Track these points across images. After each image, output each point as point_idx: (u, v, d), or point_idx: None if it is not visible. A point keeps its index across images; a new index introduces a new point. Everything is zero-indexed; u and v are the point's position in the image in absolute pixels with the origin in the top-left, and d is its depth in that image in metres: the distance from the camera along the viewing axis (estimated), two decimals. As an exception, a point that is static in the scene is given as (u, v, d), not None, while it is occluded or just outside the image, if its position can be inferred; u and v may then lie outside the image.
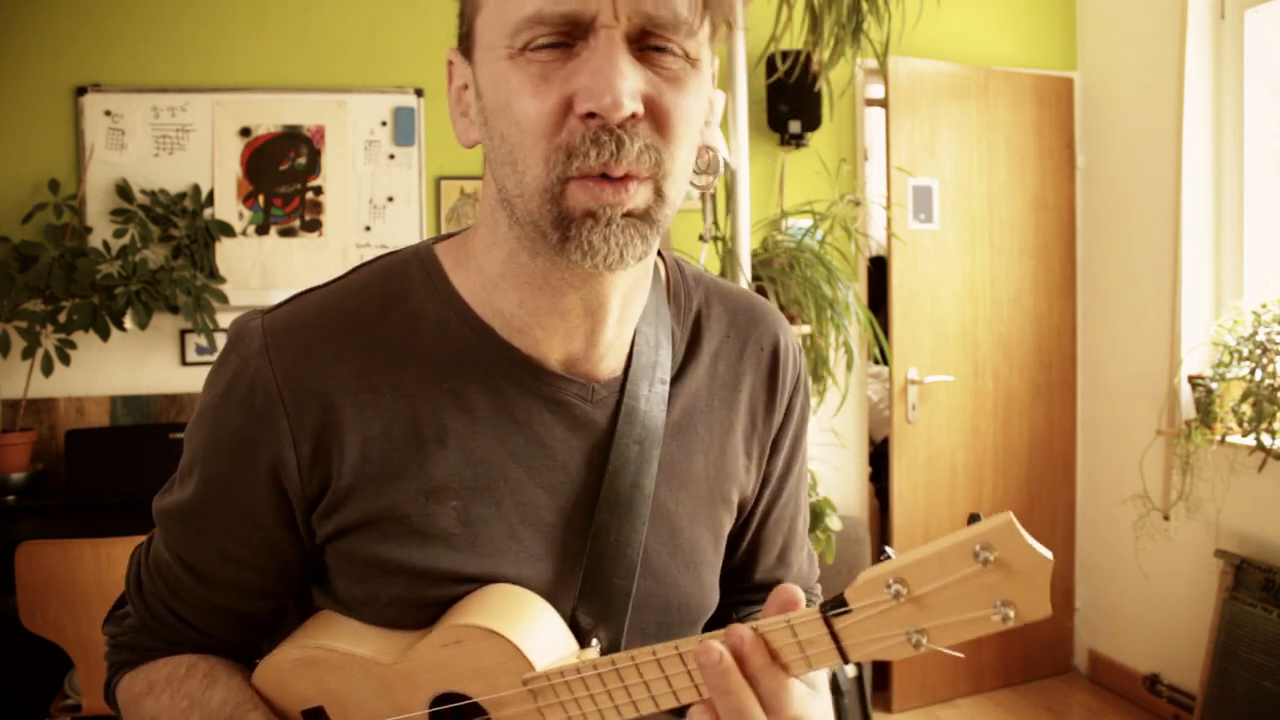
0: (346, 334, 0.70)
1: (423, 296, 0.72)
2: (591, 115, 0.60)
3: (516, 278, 0.70)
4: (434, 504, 0.69)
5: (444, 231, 2.65)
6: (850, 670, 2.39)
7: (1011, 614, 0.52)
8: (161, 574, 0.77)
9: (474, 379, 0.71)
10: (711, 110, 0.72)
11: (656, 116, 0.62)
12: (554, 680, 0.66)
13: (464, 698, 0.69)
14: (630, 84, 0.60)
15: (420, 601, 0.70)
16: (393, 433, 0.69)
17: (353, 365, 0.70)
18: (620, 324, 0.74)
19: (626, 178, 0.62)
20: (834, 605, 0.56)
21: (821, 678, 0.67)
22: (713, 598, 0.81)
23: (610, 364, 0.75)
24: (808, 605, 0.59)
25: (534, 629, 0.68)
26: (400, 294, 0.72)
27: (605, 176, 0.61)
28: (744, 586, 0.89)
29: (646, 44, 0.61)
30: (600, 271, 0.65)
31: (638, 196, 0.63)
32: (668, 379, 0.77)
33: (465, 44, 0.67)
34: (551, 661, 0.67)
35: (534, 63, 0.61)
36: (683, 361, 0.79)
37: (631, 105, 0.60)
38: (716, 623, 0.88)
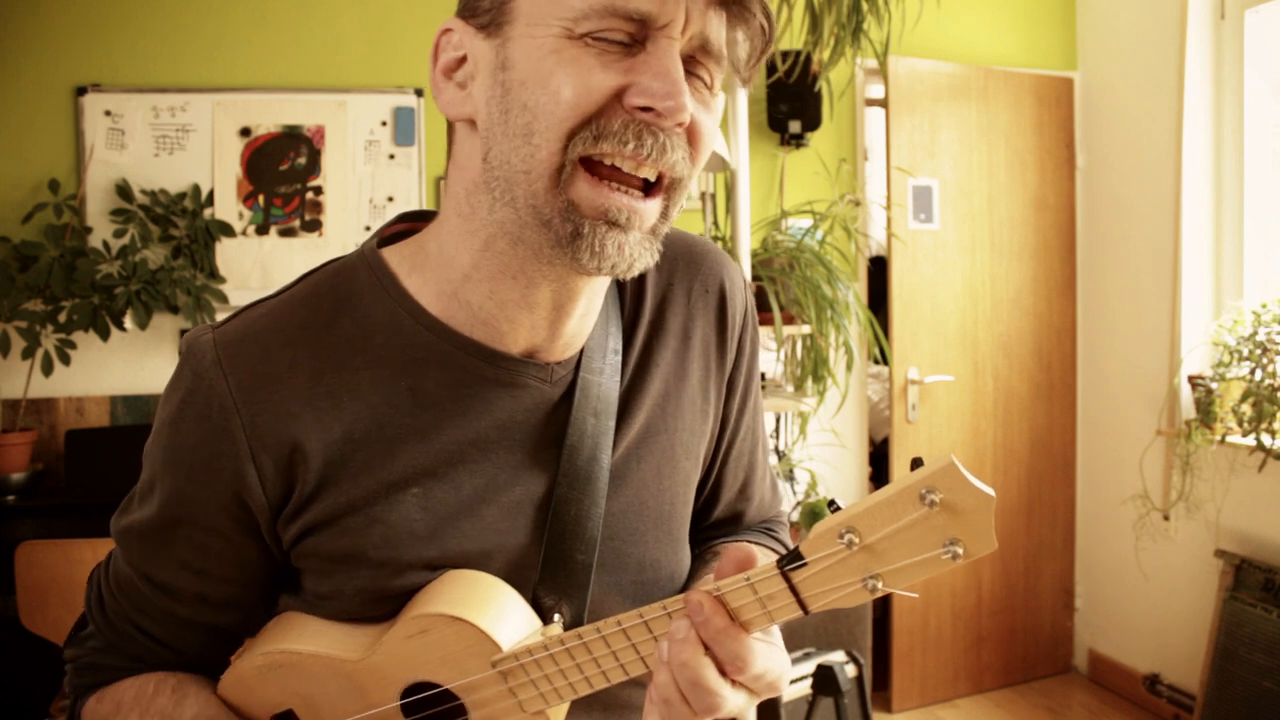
0: (298, 343, 0.70)
1: (372, 299, 0.72)
2: (645, 110, 0.62)
3: (490, 267, 0.70)
4: (395, 493, 0.70)
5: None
6: (850, 670, 2.39)
7: (960, 551, 0.54)
8: (125, 591, 0.77)
9: (430, 373, 0.71)
10: None
11: (692, 133, 0.65)
12: (523, 659, 0.66)
13: (434, 686, 0.69)
14: (689, 93, 0.63)
15: (385, 593, 0.70)
16: (354, 434, 0.69)
17: (306, 373, 0.69)
18: (584, 316, 0.75)
19: (659, 183, 0.64)
20: (790, 560, 0.58)
21: (775, 629, 0.68)
22: (687, 555, 0.82)
23: (571, 344, 0.75)
24: (771, 532, 0.58)
25: (497, 611, 0.68)
26: (347, 299, 0.72)
27: (617, 182, 0.63)
28: (705, 524, 0.90)
29: (689, 67, 0.64)
30: (596, 274, 0.66)
31: (652, 211, 0.65)
32: (620, 348, 0.78)
33: (487, 17, 0.66)
34: (518, 641, 0.67)
35: (594, 50, 0.62)
36: (631, 322, 0.80)
37: (690, 111, 0.62)
38: None
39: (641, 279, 0.81)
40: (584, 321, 0.75)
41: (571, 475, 0.73)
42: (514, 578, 0.72)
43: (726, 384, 0.85)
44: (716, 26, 0.64)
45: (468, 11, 0.68)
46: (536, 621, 0.71)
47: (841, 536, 0.56)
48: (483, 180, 0.68)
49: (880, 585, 0.57)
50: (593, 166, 0.63)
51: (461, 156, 0.70)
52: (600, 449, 0.74)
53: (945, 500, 0.53)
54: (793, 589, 0.59)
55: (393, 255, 0.75)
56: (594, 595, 0.74)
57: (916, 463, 0.54)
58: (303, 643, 0.72)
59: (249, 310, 0.74)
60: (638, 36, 0.62)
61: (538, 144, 0.63)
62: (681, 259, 0.83)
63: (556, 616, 0.72)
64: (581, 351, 0.76)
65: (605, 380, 0.76)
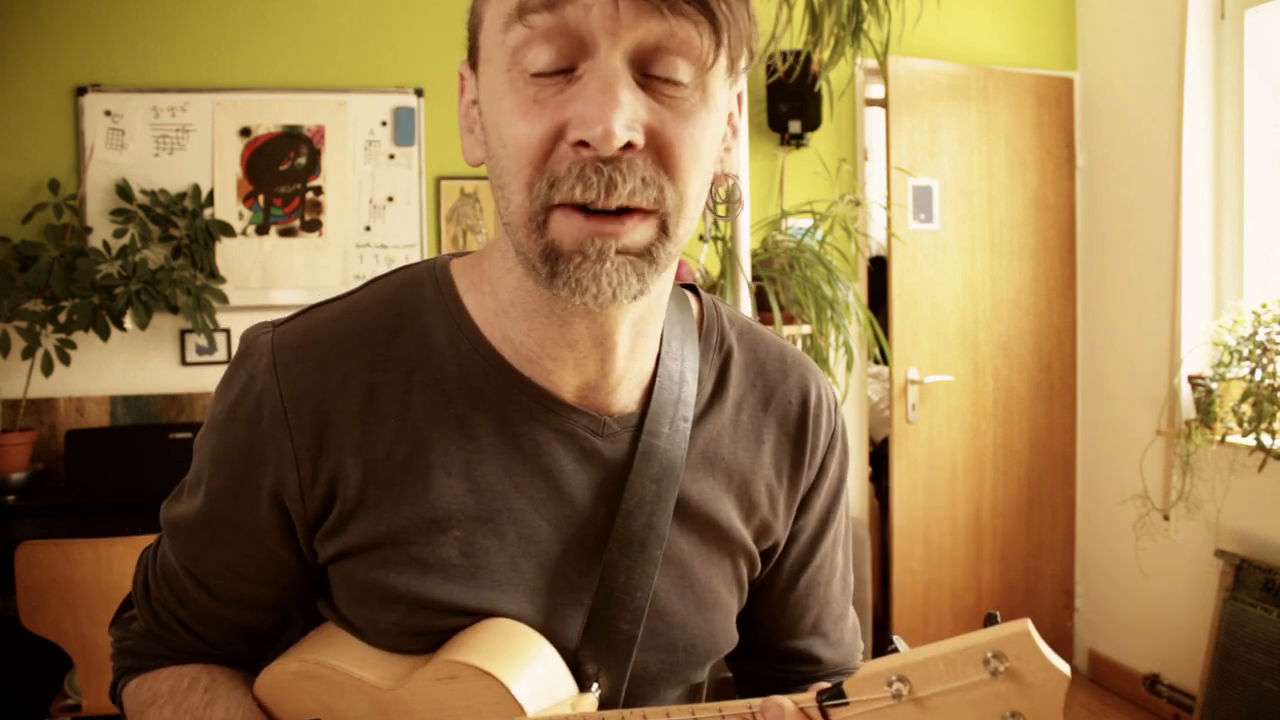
0: (356, 354, 0.69)
1: (434, 318, 0.70)
2: (584, 144, 0.56)
3: (525, 305, 0.67)
4: (436, 533, 0.68)
5: (443, 231, 2.66)
6: (850, 670, 2.40)
7: None
8: (169, 582, 0.77)
9: (481, 406, 0.69)
10: (735, 135, 0.69)
11: (660, 148, 0.59)
12: None
13: None
14: (627, 113, 0.56)
15: (418, 630, 0.69)
16: (396, 456, 0.68)
17: (360, 387, 0.68)
18: (633, 355, 0.71)
19: (624, 212, 0.58)
20: (831, 695, 0.55)
21: None
22: (724, 640, 0.78)
23: (624, 397, 0.72)
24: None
25: (530, 670, 0.66)
26: (413, 314, 0.70)
27: (589, 210, 0.58)
28: (772, 650, 0.85)
29: (651, 71, 0.58)
30: (593, 309, 0.63)
31: (636, 233, 0.59)
32: (690, 417, 0.73)
33: (473, 58, 0.65)
34: (545, 706, 0.65)
35: (531, 85, 0.58)
36: (707, 402, 0.76)
37: (626, 135, 0.56)
38: (743, 688, 0.86)
39: (726, 364, 0.77)
40: (635, 361, 0.71)
41: (625, 541, 0.70)
42: (553, 640, 0.69)
43: (801, 501, 0.80)
44: (666, 28, 0.56)
45: (469, 55, 0.66)
46: (573, 688, 0.69)
47: (890, 684, 0.52)
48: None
49: None
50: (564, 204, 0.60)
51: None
52: (658, 516, 0.71)
53: (1011, 669, 0.49)
54: None
55: (459, 270, 0.73)
56: (634, 666, 0.72)
57: (990, 618, 0.50)
58: (340, 659, 0.71)
59: (312, 311, 0.72)
60: (577, 56, 0.57)
61: (509, 196, 0.60)
62: (773, 362, 0.80)
63: (595, 686, 0.70)
64: (645, 412, 0.72)
65: (672, 449, 0.72)
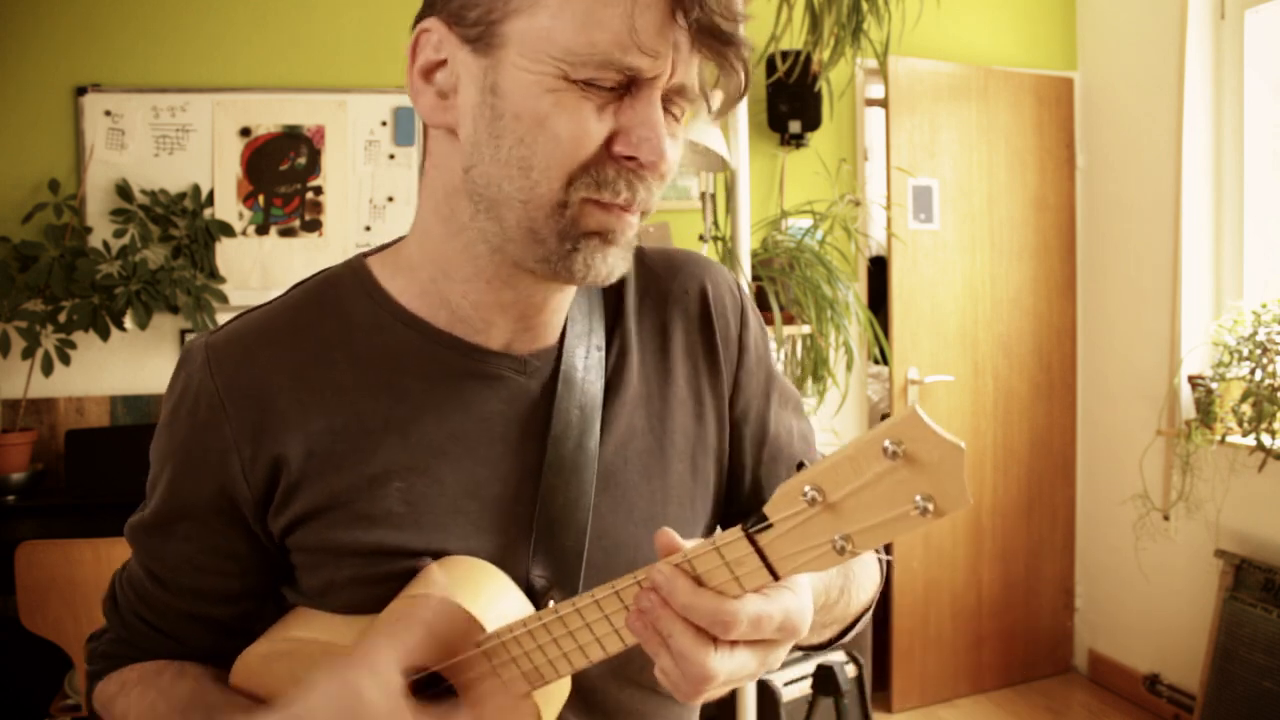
0: (282, 342, 0.74)
1: (354, 302, 0.76)
2: (628, 159, 0.66)
3: (467, 269, 0.73)
4: (377, 488, 0.72)
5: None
6: (850, 670, 2.39)
7: (931, 506, 0.51)
8: (133, 587, 0.81)
9: (408, 369, 0.74)
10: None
11: (665, 171, 0.70)
12: (504, 638, 0.67)
13: (424, 669, 0.70)
14: (671, 141, 0.67)
15: (373, 579, 0.71)
16: (335, 427, 0.72)
17: (289, 369, 0.73)
18: (555, 312, 0.77)
19: (631, 208, 0.68)
20: (755, 522, 0.56)
21: (801, 579, 0.64)
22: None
23: (542, 335, 0.77)
24: None
25: (486, 594, 0.69)
26: (333, 303, 0.76)
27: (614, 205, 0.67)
28: None
29: (665, 104, 0.68)
30: (580, 285, 0.70)
31: (632, 227, 0.70)
32: (604, 345, 0.80)
33: (474, 31, 0.66)
34: (505, 624, 0.68)
35: (588, 96, 0.65)
36: (610, 326, 0.81)
37: (670, 159, 0.67)
38: None
39: (621, 284, 0.81)
40: (556, 316, 0.78)
41: (558, 465, 0.75)
42: (503, 568, 0.72)
43: (733, 382, 0.84)
44: (695, 71, 0.67)
45: (451, 18, 0.67)
46: (529, 607, 0.71)
47: (805, 494, 0.54)
48: (463, 188, 0.70)
49: (850, 546, 0.54)
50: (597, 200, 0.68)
51: (439, 157, 0.72)
52: (587, 438, 0.76)
53: (909, 451, 0.50)
54: (760, 552, 0.57)
55: (375, 262, 0.78)
56: (584, 588, 0.74)
57: (883, 417, 0.52)
58: (305, 630, 0.74)
59: (241, 317, 0.77)
60: (625, 83, 0.65)
61: (537, 179, 0.66)
62: (660, 266, 0.85)
63: (550, 602, 0.72)
64: (561, 345, 0.78)
65: (589, 375, 0.78)
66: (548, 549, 0.74)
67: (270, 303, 0.78)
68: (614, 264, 0.69)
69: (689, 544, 0.60)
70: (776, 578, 0.57)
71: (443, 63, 0.69)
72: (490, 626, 0.67)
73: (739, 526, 0.57)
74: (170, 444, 0.74)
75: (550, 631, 0.65)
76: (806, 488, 0.54)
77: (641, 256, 0.85)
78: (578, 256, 0.67)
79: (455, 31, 0.67)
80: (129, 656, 0.82)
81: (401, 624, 0.68)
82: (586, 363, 0.78)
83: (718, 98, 0.71)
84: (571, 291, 0.78)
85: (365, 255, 0.79)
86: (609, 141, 0.66)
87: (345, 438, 0.72)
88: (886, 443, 0.50)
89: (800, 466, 0.56)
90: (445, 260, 0.73)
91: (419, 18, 0.70)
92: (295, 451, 0.71)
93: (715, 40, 0.64)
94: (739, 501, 0.86)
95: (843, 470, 0.53)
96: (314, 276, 0.79)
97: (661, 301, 0.83)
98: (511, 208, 0.67)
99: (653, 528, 0.76)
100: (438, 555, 0.72)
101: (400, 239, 0.79)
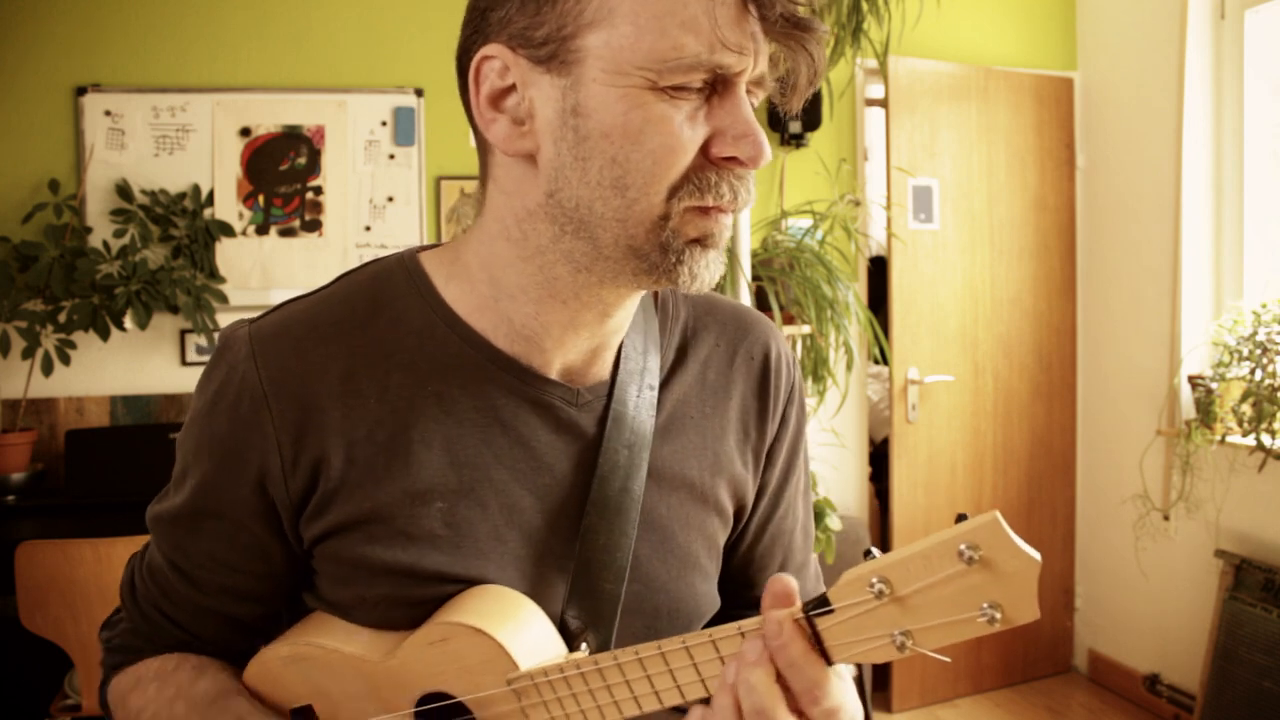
0: (332, 340, 0.71)
1: (408, 304, 0.73)
2: (729, 159, 0.64)
3: (540, 291, 0.70)
4: (419, 506, 0.70)
5: (443, 230, 2.66)
6: (850, 670, 2.40)
7: (998, 616, 0.51)
8: (154, 577, 0.78)
9: (458, 383, 0.71)
10: None
11: None
12: (537, 680, 0.65)
13: (449, 697, 0.69)
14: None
15: (407, 600, 0.70)
16: (377, 436, 0.70)
17: (338, 370, 0.70)
18: (617, 334, 0.76)
19: (733, 208, 0.67)
20: (816, 605, 0.55)
21: (844, 669, 0.64)
22: (706, 603, 0.80)
23: (595, 370, 0.75)
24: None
25: (521, 629, 0.67)
26: (386, 301, 0.73)
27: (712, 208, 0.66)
28: (740, 604, 0.87)
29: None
30: (687, 292, 0.70)
31: (727, 229, 0.68)
32: (656, 385, 0.77)
33: (545, 51, 0.64)
34: (538, 662, 0.66)
35: (679, 103, 0.63)
36: (671, 368, 0.80)
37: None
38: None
39: (686, 331, 0.81)
40: (614, 339, 0.76)
41: (602, 504, 0.73)
42: (539, 604, 0.71)
43: (767, 453, 0.84)
44: (766, 59, 0.66)
45: (517, 41, 0.64)
46: (562, 647, 0.70)
47: (872, 585, 0.53)
48: (544, 212, 0.67)
49: (910, 644, 0.53)
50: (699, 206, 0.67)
51: (509, 183, 0.69)
52: (633, 479, 0.74)
53: (985, 558, 0.50)
54: (816, 636, 0.55)
55: (430, 262, 0.75)
56: (618, 632, 0.73)
57: (961, 518, 0.52)
58: (330, 638, 0.72)
59: (287, 306, 0.74)
60: (711, 82, 0.64)
61: (635, 197, 0.64)
62: (731, 323, 0.84)
63: (584, 646, 0.71)
64: (614, 381, 0.76)
65: (640, 414, 0.76)
66: (585, 589, 0.72)
67: (316, 292, 0.75)
68: (715, 269, 0.67)
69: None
70: (830, 663, 0.56)
71: (511, 88, 0.66)
72: (524, 664, 0.65)
73: (799, 607, 0.56)
74: (208, 437, 0.71)
75: (588, 682, 0.63)
76: (874, 579, 0.53)
77: (714, 306, 0.84)
78: (683, 268, 0.66)
79: (522, 54, 0.64)
80: (143, 649, 0.81)
81: (434, 650, 0.67)
82: (638, 401, 0.76)
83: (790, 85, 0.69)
84: (634, 308, 0.76)
85: (418, 250, 0.77)
86: (705, 146, 0.64)
87: (389, 448, 0.70)
88: (963, 546, 0.50)
89: (868, 554, 0.55)
90: (515, 282, 0.70)
91: (469, 45, 0.67)
92: (337, 457, 0.69)
93: (795, 28, 0.63)
94: (723, 569, 0.84)
95: (914, 566, 0.52)
96: (363, 268, 0.76)
97: (730, 357, 0.82)
98: (607, 228, 0.65)
99: (685, 580, 0.76)
100: (474, 584, 0.70)
101: (455, 240, 0.76)
